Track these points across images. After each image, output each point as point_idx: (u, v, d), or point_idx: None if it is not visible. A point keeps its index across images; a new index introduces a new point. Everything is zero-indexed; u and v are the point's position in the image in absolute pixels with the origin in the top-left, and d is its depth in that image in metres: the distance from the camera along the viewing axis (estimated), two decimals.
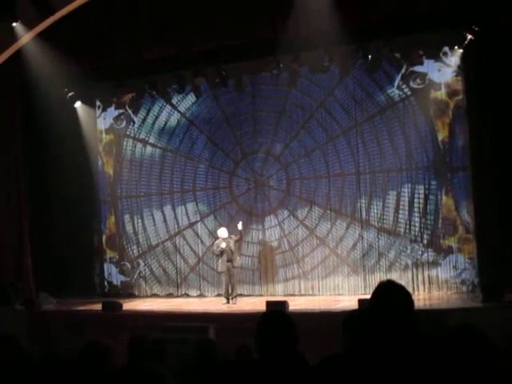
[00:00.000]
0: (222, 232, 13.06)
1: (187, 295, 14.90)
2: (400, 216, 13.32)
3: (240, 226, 12.98)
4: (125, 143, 15.76)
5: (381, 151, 13.50)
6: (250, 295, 14.07)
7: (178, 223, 15.24)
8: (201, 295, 14.76)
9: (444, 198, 13.01)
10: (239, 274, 13.58)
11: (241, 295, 13.55)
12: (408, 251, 13.22)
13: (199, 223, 15.04)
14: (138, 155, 15.62)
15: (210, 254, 13.99)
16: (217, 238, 13.35)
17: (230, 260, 12.80)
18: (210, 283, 14.70)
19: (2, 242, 14.00)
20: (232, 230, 13.46)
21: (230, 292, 12.96)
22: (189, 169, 15.18)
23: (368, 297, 3.25)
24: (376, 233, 13.48)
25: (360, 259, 13.58)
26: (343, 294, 13.46)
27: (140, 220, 15.55)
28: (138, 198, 15.59)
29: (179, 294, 15.00)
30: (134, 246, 15.56)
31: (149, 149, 15.54)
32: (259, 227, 14.53)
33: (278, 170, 14.38)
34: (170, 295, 15.02)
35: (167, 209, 15.34)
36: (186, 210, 15.17)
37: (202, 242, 14.96)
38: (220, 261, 13.02)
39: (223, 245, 12.74)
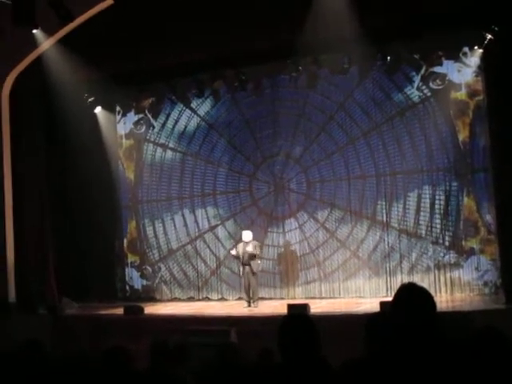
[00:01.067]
0: (246, 235, 12.98)
1: (208, 299, 14.91)
2: (421, 218, 13.25)
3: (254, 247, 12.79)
4: (145, 148, 15.80)
5: (401, 152, 13.46)
6: (271, 298, 14.01)
7: (198, 227, 15.25)
8: (222, 299, 14.74)
9: (465, 199, 12.92)
10: (260, 278, 13.51)
11: (262, 298, 13.49)
12: (429, 253, 13.15)
13: (220, 227, 15.05)
14: (158, 160, 15.66)
15: (231, 257, 13.84)
16: (238, 241, 13.36)
17: (246, 264, 12.70)
18: (232, 287, 14.68)
19: (25, 248, 13.97)
20: (256, 233, 13.50)
21: (251, 295, 12.90)
22: (209, 172, 15.19)
23: (390, 299, 3.24)
24: (397, 235, 13.43)
25: (381, 261, 13.52)
26: (365, 296, 13.41)
27: (161, 224, 15.59)
28: (159, 203, 15.61)
29: (200, 297, 15.01)
30: (155, 250, 15.60)
31: (169, 153, 15.57)
32: (279, 230, 14.51)
33: (298, 172, 14.36)
34: (191, 299, 15.03)
35: (187, 213, 15.36)
36: (207, 214, 15.21)
37: (222, 245, 14.95)
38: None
39: (234, 251, 12.81)
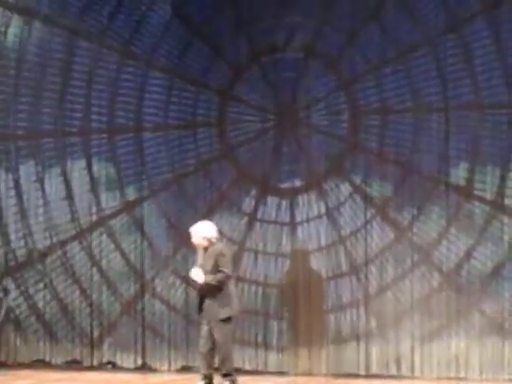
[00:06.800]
0: (203, 230, 11.75)
1: (114, 366, 14.16)
2: None
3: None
4: None
5: None
6: (257, 373, 13.36)
7: (98, 200, 14.26)
8: (144, 367, 14.03)
9: None
10: (237, 324, 12.24)
11: (241, 372, 12.42)
12: None
13: (146, 203, 14.18)
14: (12, 45, 14.65)
15: (169, 275, 13.73)
16: (185, 238, 12.69)
17: (203, 292, 11.71)
18: (168, 341, 13.84)
19: None
20: (225, 226, 13.43)
21: (214, 363, 11.58)
22: (127, 77, 14.18)
23: None
24: None
25: None
26: (474, 377, 12.47)
27: (15, 192, 14.59)
28: (13, 143, 14.63)
29: (94, 362, 14.28)
30: None
31: (38, 27, 14.48)
32: (285, 218, 13.66)
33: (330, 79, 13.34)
34: (74, 364, 14.31)
35: (76, 164, 14.39)
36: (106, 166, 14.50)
37: (151, 245, 14.08)
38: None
39: (196, 273, 11.73)
